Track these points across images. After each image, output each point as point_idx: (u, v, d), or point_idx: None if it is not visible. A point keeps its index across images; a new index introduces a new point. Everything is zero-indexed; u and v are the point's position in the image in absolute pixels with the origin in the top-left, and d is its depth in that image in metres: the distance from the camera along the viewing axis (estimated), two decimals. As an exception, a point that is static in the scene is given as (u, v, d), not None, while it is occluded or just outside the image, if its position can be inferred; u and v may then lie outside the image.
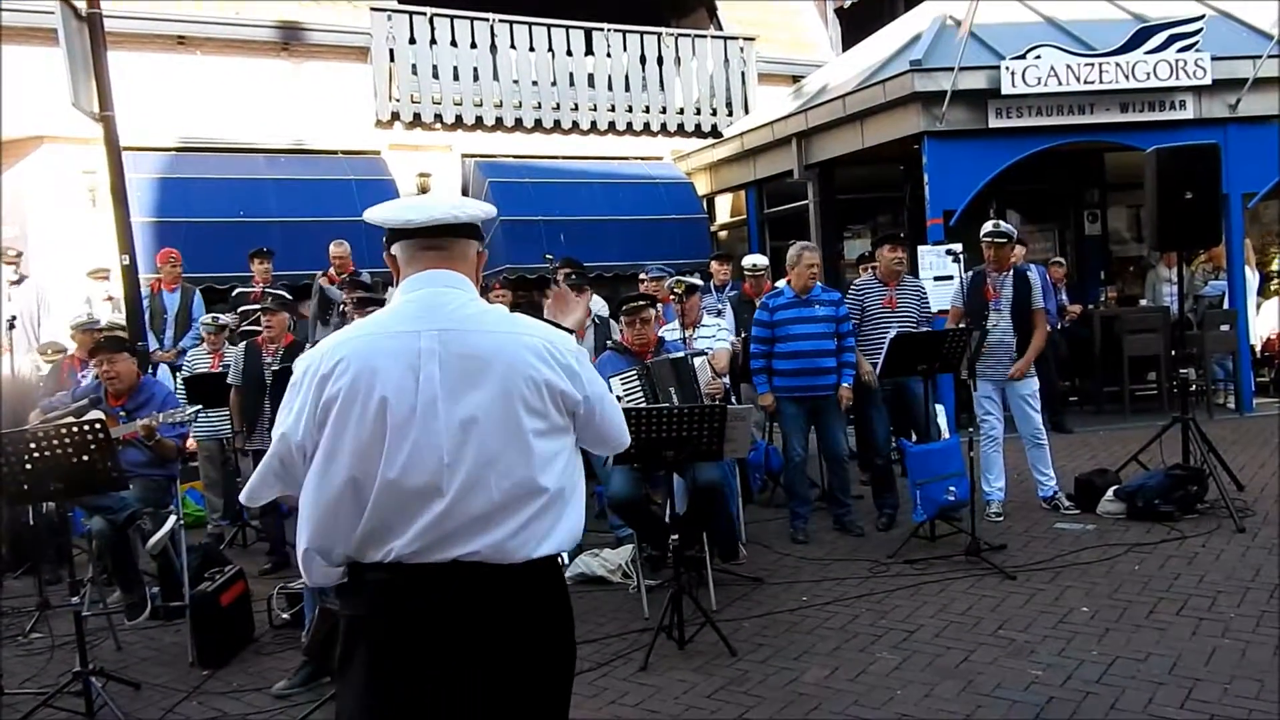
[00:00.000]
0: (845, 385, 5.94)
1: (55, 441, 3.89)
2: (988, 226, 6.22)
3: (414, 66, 11.47)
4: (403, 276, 1.99)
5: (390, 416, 1.82)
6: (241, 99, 10.69)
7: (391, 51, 11.32)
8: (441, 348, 1.85)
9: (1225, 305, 9.65)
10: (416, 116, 11.56)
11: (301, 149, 11.01)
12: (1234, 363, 9.60)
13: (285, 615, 4.90)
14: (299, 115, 10.99)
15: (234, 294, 8.71)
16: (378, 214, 2.00)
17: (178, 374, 7.48)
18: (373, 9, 11.30)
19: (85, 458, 3.93)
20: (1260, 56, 8.82)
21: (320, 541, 1.87)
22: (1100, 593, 4.68)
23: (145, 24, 10.23)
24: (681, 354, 5.48)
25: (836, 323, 5.95)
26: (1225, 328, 9.41)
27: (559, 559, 1.98)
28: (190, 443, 6.55)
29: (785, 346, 5.90)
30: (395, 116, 11.49)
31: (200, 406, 5.76)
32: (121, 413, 5.12)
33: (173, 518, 5.04)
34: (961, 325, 6.04)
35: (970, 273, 6.24)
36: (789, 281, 6.08)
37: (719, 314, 7.22)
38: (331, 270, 8.67)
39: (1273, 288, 10.79)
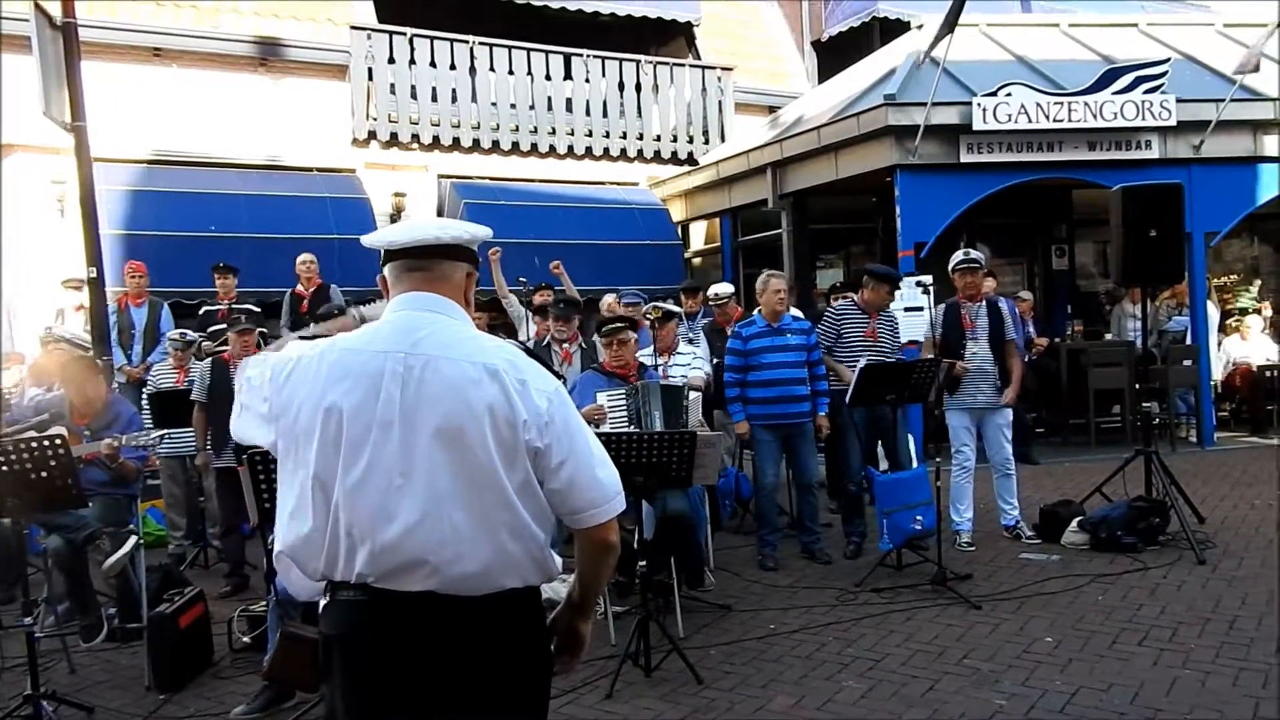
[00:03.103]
0: (822, 414, 5.99)
1: (14, 456, 3.82)
2: (958, 256, 6.30)
3: (392, 86, 11.47)
4: (390, 297, 2.02)
5: (347, 433, 1.84)
6: (217, 113, 10.63)
7: (370, 70, 11.33)
8: (405, 371, 1.85)
9: (1188, 341, 9.82)
10: (393, 136, 11.56)
11: (276, 165, 10.95)
12: (1196, 397, 9.76)
13: (246, 638, 4.81)
14: (274, 131, 10.94)
15: (201, 313, 8.59)
16: (369, 238, 2.07)
17: (143, 389, 7.34)
18: (352, 27, 11.31)
19: (44, 474, 3.86)
20: (1223, 100, 9.05)
21: (292, 551, 1.89)
22: (1064, 623, 4.71)
23: (121, 35, 10.17)
24: (680, 385, 5.52)
25: (808, 351, 5.99)
26: (1188, 363, 9.58)
27: (538, 589, 1.95)
28: (153, 459, 6.44)
29: (759, 375, 5.93)
30: (372, 135, 11.48)
31: (165, 431, 5.67)
32: (86, 431, 5.04)
33: (133, 538, 4.96)
34: (932, 356, 6.10)
35: (943, 305, 6.31)
36: (759, 310, 6.11)
37: (690, 342, 7.24)
38: (299, 286, 8.60)
39: (1232, 324, 11.00)
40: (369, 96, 11.39)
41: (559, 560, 2.00)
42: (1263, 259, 12.55)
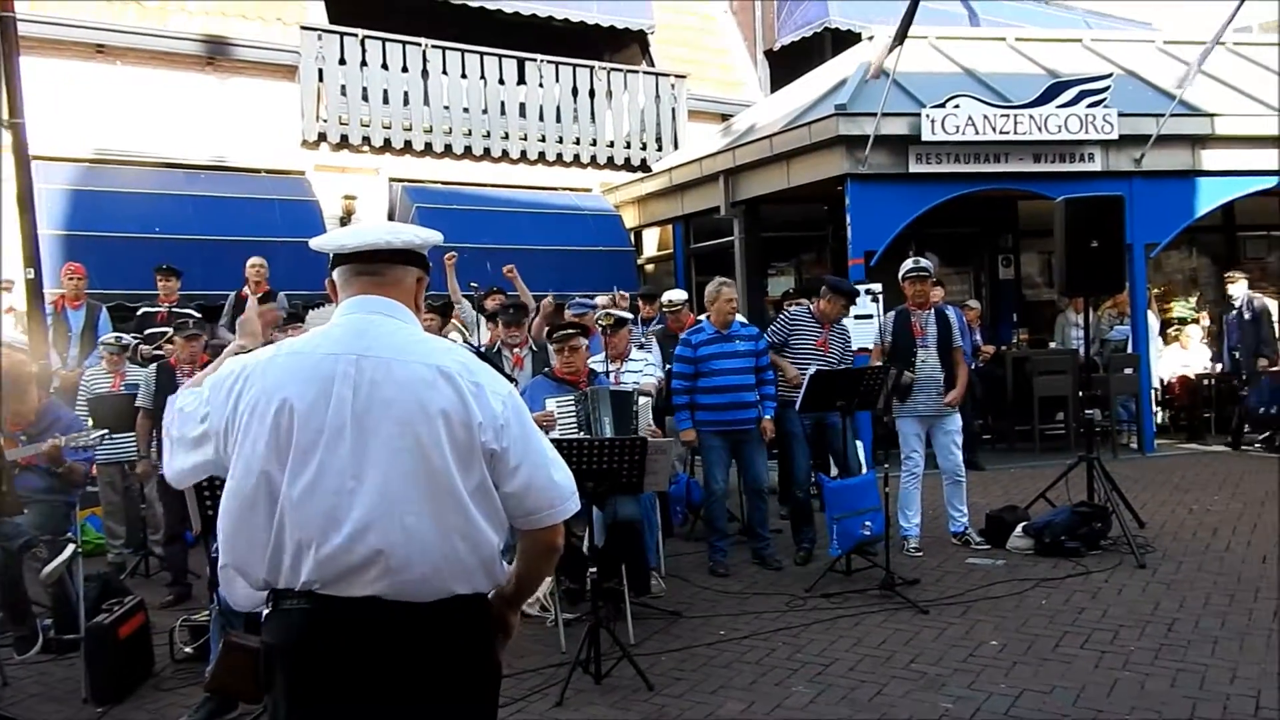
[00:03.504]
0: (767, 418, 6.02)
1: (-57, 463, 3.69)
2: (907, 264, 6.39)
3: (343, 88, 11.33)
4: (339, 301, 1.99)
5: (296, 438, 1.81)
6: (162, 112, 10.42)
7: (321, 71, 11.18)
8: (357, 373, 1.84)
9: (1129, 349, 10.08)
10: (344, 138, 11.42)
11: (223, 166, 10.76)
12: (1136, 404, 10.01)
13: (188, 649, 4.69)
14: (222, 131, 10.75)
15: (139, 313, 8.39)
16: (318, 241, 2.04)
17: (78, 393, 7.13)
18: (303, 28, 11.16)
19: (-24, 481, 3.74)
20: (1163, 115, 9.31)
21: (236, 559, 1.86)
22: (1009, 626, 4.79)
23: (62, 30, 9.92)
24: (629, 390, 5.51)
25: (756, 357, 6.03)
26: (1129, 371, 9.82)
27: (486, 596, 1.93)
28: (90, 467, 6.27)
29: (708, 381, 5.95)
30: (322, 137, 11.32)
31: (105, 431, 5.54)
32: (22, 436, 4.89)
33: (70, 546, 4.82)
34: (880, 364, 6.17)
35: (892, 312, 6.39)
36: (709, 317, 6.14)
37: (642, 347, 7.24)
38: (246, 288, 8.45)
39: (1172, 333, 11.31)
40: (319, 98, 11.24)
41: (509, 568, 1.98)
42: (1200, 270, 12.92)
